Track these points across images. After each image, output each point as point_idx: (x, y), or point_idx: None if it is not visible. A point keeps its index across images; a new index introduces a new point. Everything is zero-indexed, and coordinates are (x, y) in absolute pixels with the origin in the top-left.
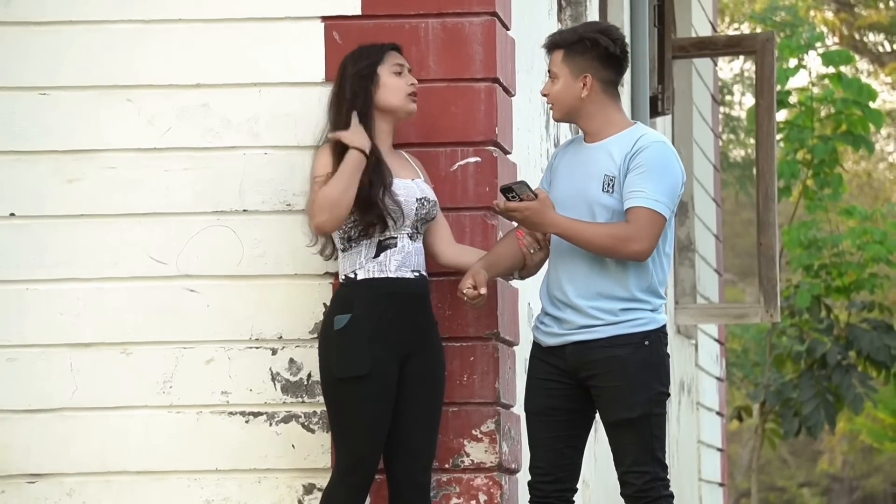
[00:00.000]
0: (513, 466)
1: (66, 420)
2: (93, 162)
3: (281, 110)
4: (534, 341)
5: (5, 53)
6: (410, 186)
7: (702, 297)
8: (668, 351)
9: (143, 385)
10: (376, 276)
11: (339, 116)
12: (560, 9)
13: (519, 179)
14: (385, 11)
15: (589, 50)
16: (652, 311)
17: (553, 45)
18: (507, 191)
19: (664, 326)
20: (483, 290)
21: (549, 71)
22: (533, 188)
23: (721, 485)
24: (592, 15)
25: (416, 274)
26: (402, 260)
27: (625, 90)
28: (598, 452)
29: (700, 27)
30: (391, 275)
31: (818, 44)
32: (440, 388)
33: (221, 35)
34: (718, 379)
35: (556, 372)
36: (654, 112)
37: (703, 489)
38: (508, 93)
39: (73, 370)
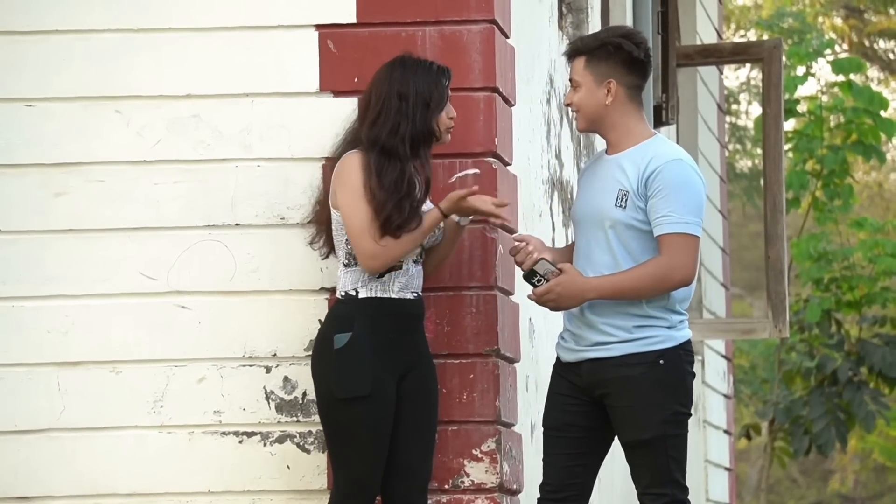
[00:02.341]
0: (514, 487)
1: (54, 441)
2: (81, 175)
3: (274, 121)
4: (556, 356)
5: None
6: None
7: (708, 311)
8: (694, 369)
9: (133, 405)
10: (379, 295)
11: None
12: (561, 16)
13: (537, 258)
14: (381, 19)
15: (612, 55)
16: (668, 327)
17: (574, 51)
18: (531, 276)
19: (686, 343)
20: (531, 249)
21: (570, 79)
22: (555, 263)
23: None
24: (594, 22)
25: (416, 295)
26: (405, 282)
27: None
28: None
29: (705, 34)
30: (394, 296)
31: (827, 51)
32: (434, 407)
33: (213, 44)
34: (726, 396)
35: (574, 388)
36: (659, 122)
37: None
38: (508, 102)
39: (60, 390)
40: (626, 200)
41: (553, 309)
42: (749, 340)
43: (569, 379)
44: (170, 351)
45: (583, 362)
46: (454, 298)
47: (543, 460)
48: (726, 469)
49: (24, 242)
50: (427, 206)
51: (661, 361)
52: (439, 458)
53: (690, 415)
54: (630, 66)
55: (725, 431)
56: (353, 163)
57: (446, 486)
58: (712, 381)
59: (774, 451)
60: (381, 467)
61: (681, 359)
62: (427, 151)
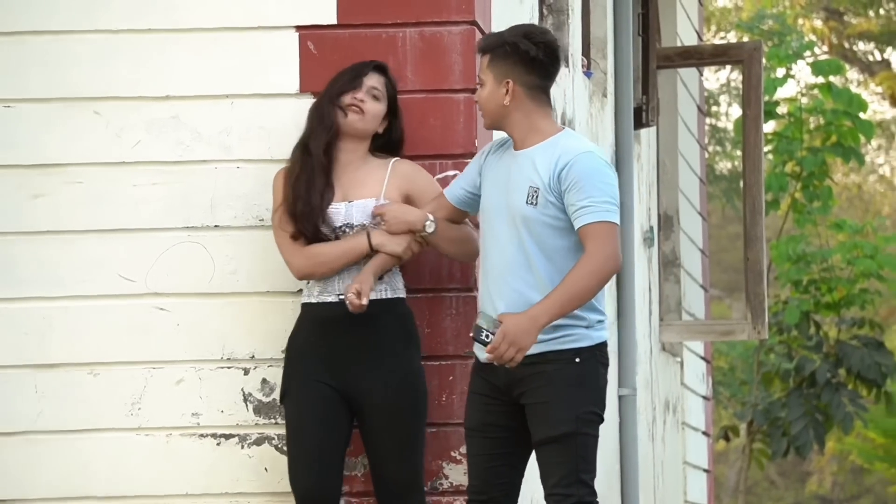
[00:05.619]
0: None
1: (31, 444)
2: (59, 176)
3: (254, 122)
4: (474, 355)
5: None
6: (337, 212)
7: (687, 313)
8: (607, 373)
9: (110, 407)
10: (304, 299)
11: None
12: (541, 17)
13: (475, 323)
14: (361, 20)
15: (510, 55)
16: (586, 327)
17: (479, 50)
18: (478, 333)
19: (602, 344)
20: (365, 302)
21: (478, 76)
22: (490, 315)
23: None
24: (574, 24)
25: (340, 297)
26: (323, 286)
27: (608, 100)
28: None
29: (685, 36)
30: (313, 300)
31: (807, 53)
32: (405, 413)
33: (192, 45)
34: (705, 398)
35: (493, 388)
36: (639, 123)
37: None
38: None
39: (38, 392)
40: (537, 197)
41: (515, 355)
42: (728, 342)
43: (487, 379)
44: (148, 353)
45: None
46: (434, 300)
47: (468, 461)
48: (704, 471)
49: (1, 244)
50: (357, 216)
51: (577, 360)
52: None
53: (603, 419)
54: (529, 66)
55: (704, 433)
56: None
57: (424, 489)
58: (691, 383)
59: (753, 452)
60: (311, 471)
61: (596, 359)
62: (332, 146)
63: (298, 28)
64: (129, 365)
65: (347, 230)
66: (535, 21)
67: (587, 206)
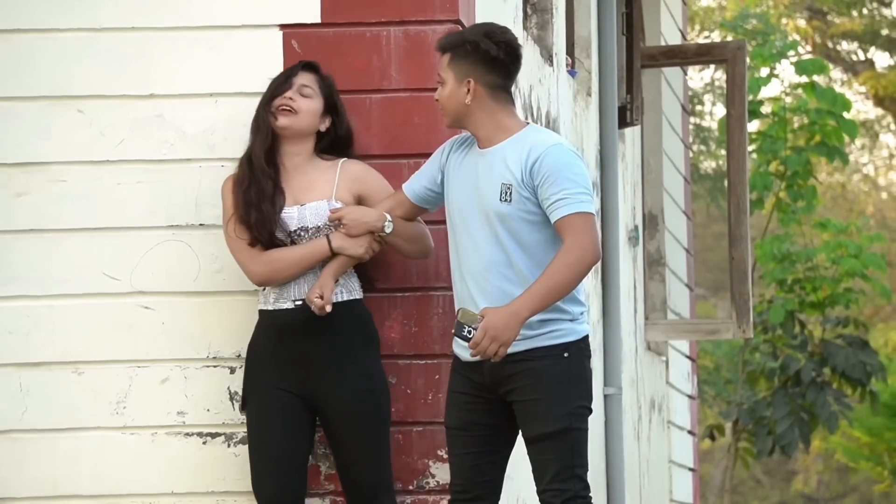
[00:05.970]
0: None
1: (16, 442)
2: (42, 175)
3: (238, 121)
4: (453, 354)
5: None
6: (291, 217)
7: (672, 312)
8: (591, 365)
9: (95, 406)
10: (261, 307)
11: None
12: (525, 16)
13: (456, 320)
14: (345, 19)
15: (471, 54)
16: (571, 321)
17: (440, 48)
18: (460, 330)
19: (586, 337)
20: (329, 307)
21: (438, 75)
22: (471, 311)
23: None
24: (558, 23)
25: (297, 303)
26: (279, 292)
27: (593, 99)
28: None
29: (669, 35)
30: (270, 307)
31: (791, 52)
32: (368, 415)
33: (176, 44)
34: (690, 397)
35: (475, 386)
36: (623, 122)
37: None
38: None
39: (22, 390)
40: (511, 194)
41: (498, 349)
42: (713, 341)
43: (470, 377)
44: (133, 352)
45: (484, 361)
46: (421, 299)
47: (450, 461)
48: (690, 469)
49: None
50: (310, 218)
51: (566, 355)
52: (403, 459)
53: (591, 411)
54: (490, 66)
55: (689, 432)
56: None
57: (411, 487)
58: (676, 382)
59: (738, 451)
60: (273, 479)
61: (582, 353)
62: (275, 151)
63: (282, 27)
64: (113, 363)
65: (303, 234)
66: (520, 20)
67: (562, 198)
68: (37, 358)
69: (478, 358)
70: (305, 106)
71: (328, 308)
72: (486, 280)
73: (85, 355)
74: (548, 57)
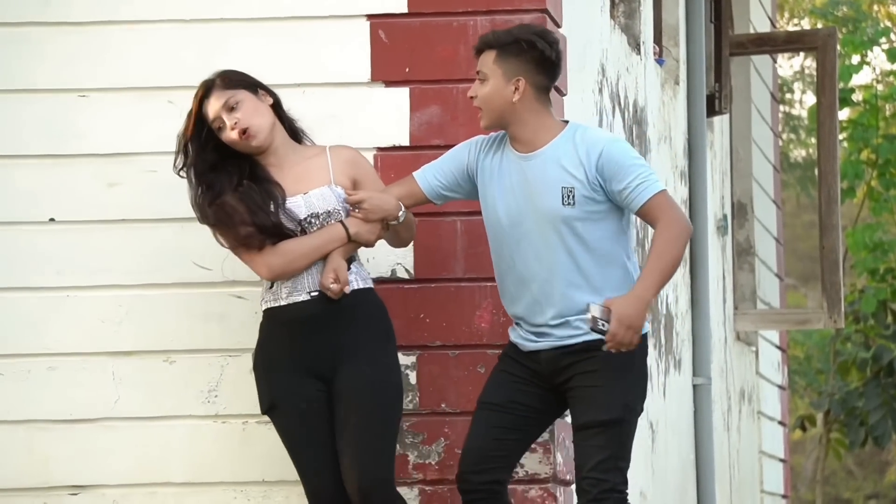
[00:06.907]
0: (567, 478)
1: (109, 430)
2: (134, 165)
3: (325, 111)
4: (510, 340)
5: (42, 54)
6: (298, 206)
7: (762, 302)
8: (647, 366)
9: (186, 394)
10: (271, 305)
11: None
12: (613, 5)
13: (591, 316)
14: (432, 9)
15: (524, 52)
16: None
17: (485, 45)
18: (595, 325)
19: (646, 335)
20: (347, 290)
21: (477, 72)
22: (595, 303)
23: (784, 497)
24: (646, 12)
25: (313, 294)
26: (292, 286)
27: (681, 88)
28: (655, 463)
29: (759, 23)
30: (283, 302)
31: (882, 39)
32: (374, 402)
33: (264, 34)
34: (780, 387)
35: (529, 372)
36: (711, 111)
37: (765, 501)
38: (560, 92)
39: (114, 379)
40: (573, 196)
41: (633, 337)
42: (804, 331)
43: (526, 364)
44: (224, 341)
45: (542, 351)
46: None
47: (471, 432)
48: (781, 460)
49: (77, 232)
50: (318, 204)
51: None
52: None
53: (643, 410)
54: (541, 66)
55: (780, 422)
56: None
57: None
58: (766, 372)
59: (830, 442)
60: (315, 470)
61: (644, 350)
62: (256, 167)
63: (370, 17)
64: (204, 353)
65: (314, 220)
66: (607, 9)
67: (639, 183)
68: (129, 347)
69: (534, 347)
70: (247, 121)
71: (347, 289)
72: (552, 287)
73: (176, 344)
74: (635, 45)
